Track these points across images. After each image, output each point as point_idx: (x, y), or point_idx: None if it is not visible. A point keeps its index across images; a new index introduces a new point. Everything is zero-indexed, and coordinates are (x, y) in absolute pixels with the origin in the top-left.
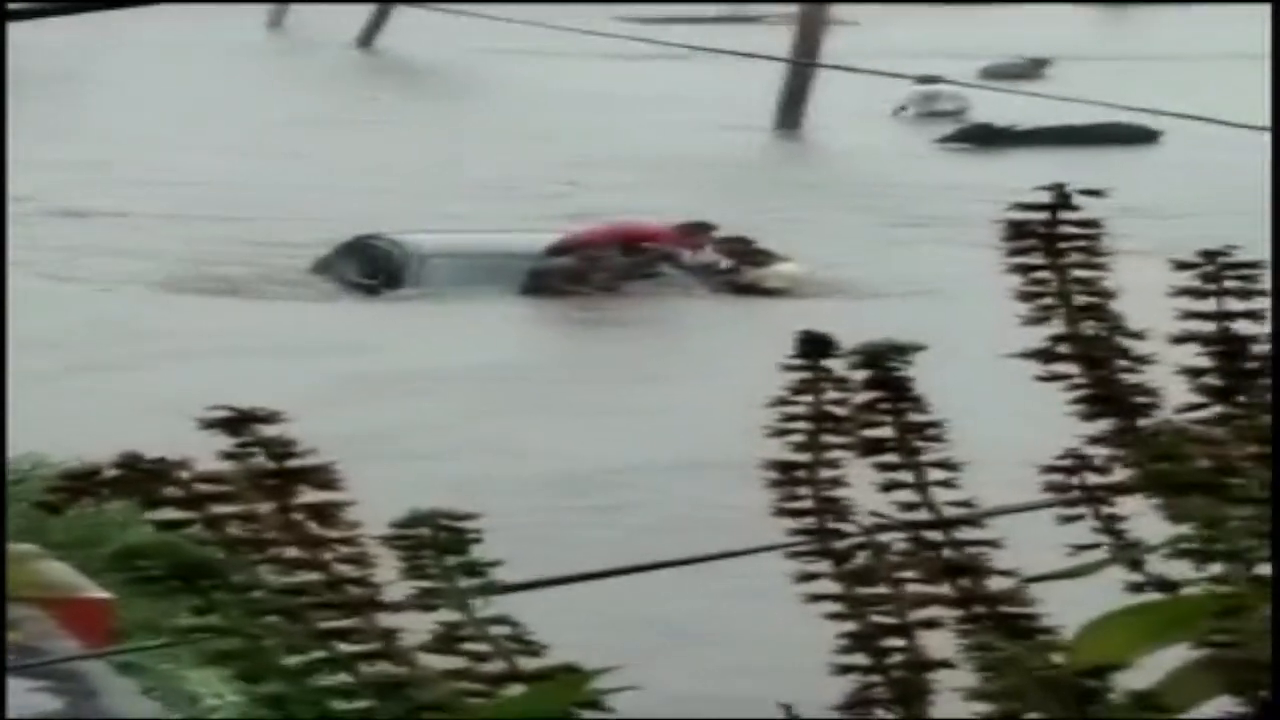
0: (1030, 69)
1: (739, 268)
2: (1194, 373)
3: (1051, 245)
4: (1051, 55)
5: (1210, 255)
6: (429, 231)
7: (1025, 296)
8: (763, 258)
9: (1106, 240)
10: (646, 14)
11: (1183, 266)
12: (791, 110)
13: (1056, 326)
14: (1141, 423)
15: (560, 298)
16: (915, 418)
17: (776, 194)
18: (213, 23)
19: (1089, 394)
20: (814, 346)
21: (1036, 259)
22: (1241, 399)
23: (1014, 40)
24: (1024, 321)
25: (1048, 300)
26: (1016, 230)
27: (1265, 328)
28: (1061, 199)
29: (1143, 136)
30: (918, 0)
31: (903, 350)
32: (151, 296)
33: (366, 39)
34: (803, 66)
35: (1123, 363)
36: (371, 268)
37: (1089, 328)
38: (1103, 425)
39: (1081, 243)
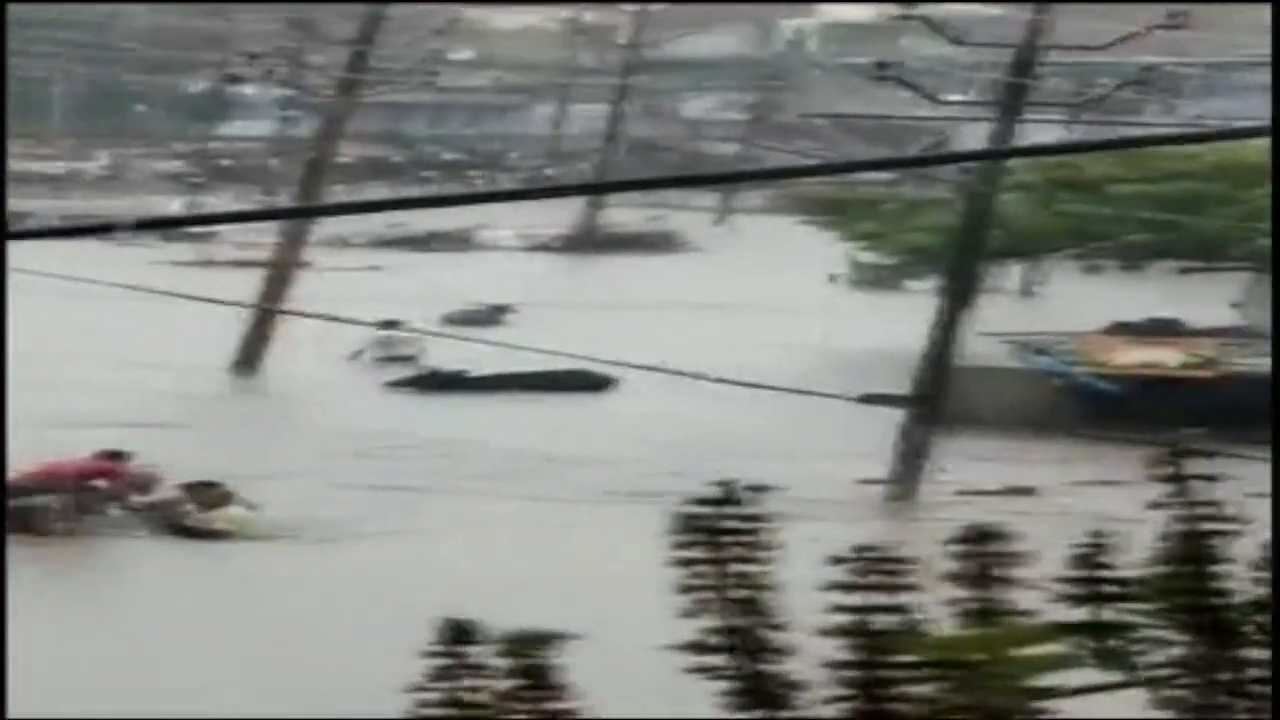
0: (491, 315)
1: (189, 510)
2: (838, 665)
3: (715, 540)
4: (513, 302)
5: (860, 550)
6: None
7: (685, 589)
8: (215, 500)
9: (769, 534)
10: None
11: (836, 561)
12: (251, 351)
13: (712, 619)
14: (784, 714)
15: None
16: (555, 706)
17: (232, 437)
18: None
19: (738, 686)
20: (458, 634)
21: (700, 553)
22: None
23: (487, 286)
24: (682, 614)
25: (707, 594)
26: (684, 524)
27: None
28: (728, 495)
29: (596, 383)
30: None
31: (546, 640)
32: None
33: None
34: (266, 311)
35: (770, 655)
36: None
37: (742, 621)
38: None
39: (745, 538)
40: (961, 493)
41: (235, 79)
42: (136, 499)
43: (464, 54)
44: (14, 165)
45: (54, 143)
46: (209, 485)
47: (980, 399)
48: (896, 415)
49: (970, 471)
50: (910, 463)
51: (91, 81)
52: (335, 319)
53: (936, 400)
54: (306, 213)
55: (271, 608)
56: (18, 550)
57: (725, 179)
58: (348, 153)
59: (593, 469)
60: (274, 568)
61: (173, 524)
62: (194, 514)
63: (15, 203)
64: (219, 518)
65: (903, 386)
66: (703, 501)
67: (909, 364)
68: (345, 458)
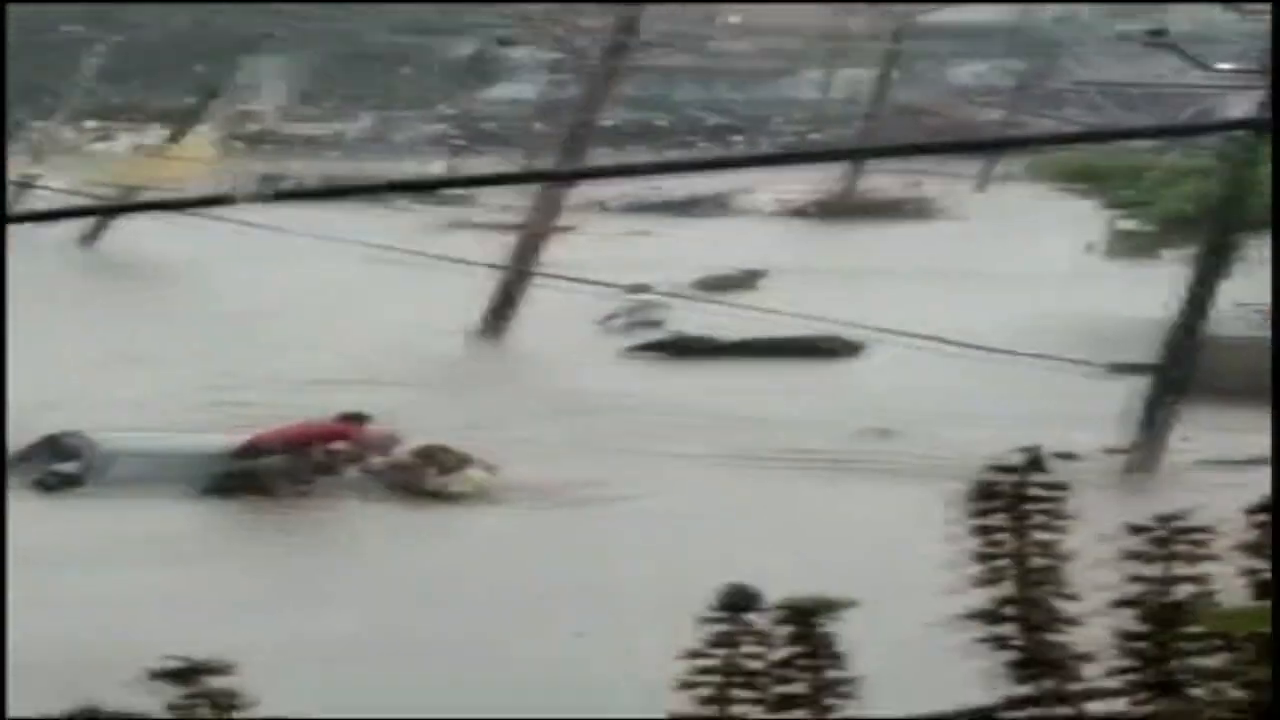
0: (744, 280)
1: (427, 472)
2: (1128, 636)
3: (1016, 508)
4: (768, 267)
5: (1164, 520)
6: (119, 431)
7: (981, 557)
8: (453, 463)
9: (1069, 502)
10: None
11: (1136, 530)
12: (499, 315)
13: (1006, 589)
14: (1072, 685)
15: (246, 499)
16: (832, 674)
17: (473, 399)
18: None
19: (1025, 656)
20: (738, 600)
21: (998, 520)
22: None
23: (743, 251)
24: (975, 583)
25: (1003, 562)
26: (984, 490)
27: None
28: (1032, 462)
29: (846, 350)
30: None
31: (831, 607)
32: None
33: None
34: (517, 274)
35: (1061, 624)
36: (64, 463)
37: (1036, 591)
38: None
39: (1047, 505)
40: (1203, 462)
41: (505, 42)
42: (375, 461)
43: (733, 19)
44: (276, 128)
45: (317, 105)
46: (447, 448)
47: (1230, 369)
48: (1145, 384)
49: (1216, 441)
50: (1155, 432)
51: (357, 43)
52: (583, 281)
53: (1185, 370)
54: (559, 177)
55: (524, 574)
56: (252, 512)
57: (987, 146)
58: (612, 116)
59: (841, 436)
60: (520, 532)
61: (410, 487)
62: (432, 477)
63: (273, 165)
64: (457, 480)
65: (1154, 356)
66: (1006, 468)
67: (1162, 333)
68: (587, 421)
